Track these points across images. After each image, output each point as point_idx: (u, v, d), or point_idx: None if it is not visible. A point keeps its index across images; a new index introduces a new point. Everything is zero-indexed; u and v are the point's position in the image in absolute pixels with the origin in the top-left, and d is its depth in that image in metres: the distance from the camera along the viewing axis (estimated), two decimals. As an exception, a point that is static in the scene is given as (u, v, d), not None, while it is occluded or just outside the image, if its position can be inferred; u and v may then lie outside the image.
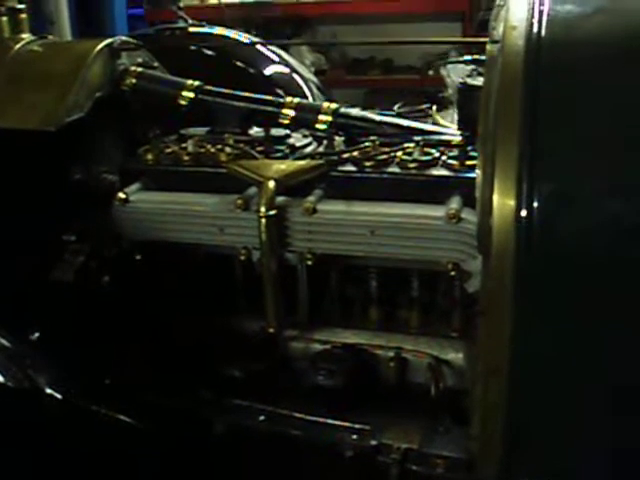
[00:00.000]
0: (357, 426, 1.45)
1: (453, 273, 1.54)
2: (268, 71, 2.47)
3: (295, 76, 2.46)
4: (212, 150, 1.79)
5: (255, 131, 1.87)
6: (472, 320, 1.55)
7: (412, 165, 1.63)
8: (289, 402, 1.58)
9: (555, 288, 1.16)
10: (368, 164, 1.65)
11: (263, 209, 1.57)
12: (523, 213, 1.12)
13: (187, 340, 1.69)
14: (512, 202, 1.12)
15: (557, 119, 1.16)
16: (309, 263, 1.64)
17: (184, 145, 1.84)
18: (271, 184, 1.59)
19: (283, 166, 1.64)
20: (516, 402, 1.20)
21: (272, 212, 1.57)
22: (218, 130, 1.89)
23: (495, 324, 1.18)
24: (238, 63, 2.44)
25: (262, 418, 1.48)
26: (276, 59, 2.51)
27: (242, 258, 1.68)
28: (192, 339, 1.70)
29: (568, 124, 1.16)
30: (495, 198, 1.13)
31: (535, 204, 1.11)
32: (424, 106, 2.01)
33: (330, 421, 1.47)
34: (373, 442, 1.43)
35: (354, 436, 1.44)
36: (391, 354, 1.72)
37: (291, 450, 1.47)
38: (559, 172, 1.14)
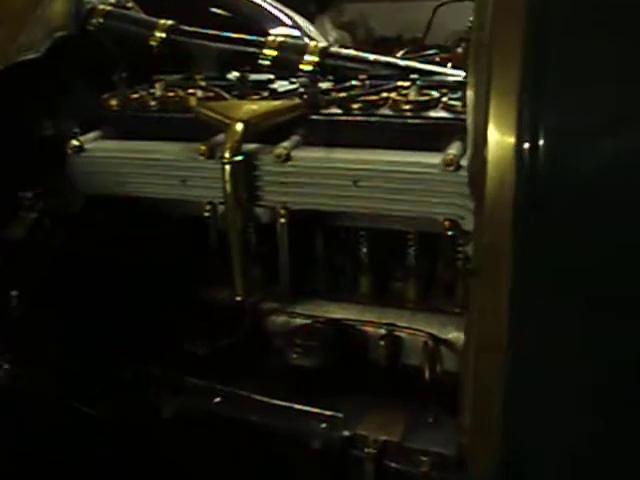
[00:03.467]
0: (328, 413, 1.20)
1: (451, 233, 1.28)
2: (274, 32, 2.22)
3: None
4: (182, 94, 1.55)
5: (233, 75, 1.63)
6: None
7: (407, 107, 1.37)
8: (256, 383, 1.34)
9: (565, 238, 0.90)
10: (355, 106, 1.40)
11: (227, 154, 1.33)
12: (525, 146, 0.86)
13: (143, 312, 1.46)
14: (512, 133, 0.87)
15: (570, 31, 0.90)
16: (283, 221, 1.39)
17: (152, 90, 1.60)
18: (238, 126, 1.34)
19: (254, 107, 1.40)
20: (516, 385, 0.95)
21: (238, 158, 1.33)
22: (192, 74, 1.65)
23: (490, 287, 0.93)
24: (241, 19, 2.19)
25: (217, 400, 1.25)
26: (288, 21, 2.25)
27: (206, 215, 1.44)
28: (149, 310, 1.46)
29: (584, 35, 0.89)
30: (491, 128, 0.88)
31: (541, 136, 0.86)
32: (431, 51, 1.74)
33: (296, 406, 1.22)
34: (345, 432, 1.19)
35: (323, 424, 1.20)
36: (382, 331, 1.48)
37: (249, 438, 1.23)
38: (571, 98, 0.88)
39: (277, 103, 1.42)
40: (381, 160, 1.31)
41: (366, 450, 1.15)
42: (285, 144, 1.36)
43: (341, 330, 1.50)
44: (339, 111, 1.41)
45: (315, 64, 1.55)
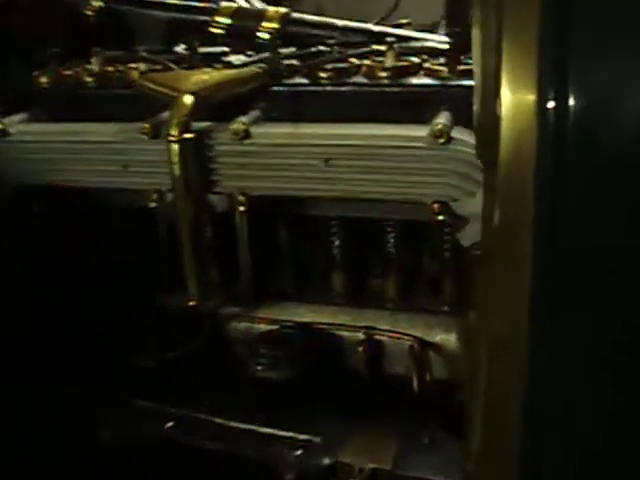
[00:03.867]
0: (303, 437, 1.00)
1: (441, 217, 1.09)
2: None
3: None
4: (122, 69, 1.34)
5: (181, 48, 1.43)
6: (466, 279, 1.10)
7: (383, 74, 1.18)
8: (215, 403, 1.14)
9: (599, 213, 0.72)
10: (323, 75, 1.20)
11: (174, 131, 1.12)
12: (550, 105, 0.68)
13: (80, 319, 1.24)
14: (532, 87, 0.68)
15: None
16: (242, 209, 1.19)
17: (88, 66, 1.39)
18: (187, 99, 1.14)
19: (205, 77, 1.19)
20: (538, 395, 0.77)
21: (187, 136, 1.13)
22: (135, 48, 1.44)
23: (506, 276, 0.74)
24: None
25: (170, 424, 1.04)
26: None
27: (153, 205, 1.22)
28: (88, 317, 1.25)
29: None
30: (505, 78, 0.69)
31: (570, 91, 0.68)
32: (404, 20, 1.55)
33: (265, 430, 1.02)
34: (326, 460, 0.99)
35: (297, 451, 1.00)
36: (360, 336, 1.28)
37: (208, 469, 1.02)
38: (606, 53, 0.70)
39: (232, 72, 1.22)
40: (357, 134, 1.11)
41: (351, 481, 0.96)
42: (243, 119, 1.16)
43: (313, 336, 1.30)
44: (305, 81, 1.21)
45: (275, 31, 1.35)
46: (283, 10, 1.38)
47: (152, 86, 1.21)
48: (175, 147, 1.12)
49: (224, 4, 1.42)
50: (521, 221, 0.70)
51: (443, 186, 1.08)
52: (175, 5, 1.45)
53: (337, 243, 1.33)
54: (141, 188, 1.24)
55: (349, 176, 1.12)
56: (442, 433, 1.05)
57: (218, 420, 1.03)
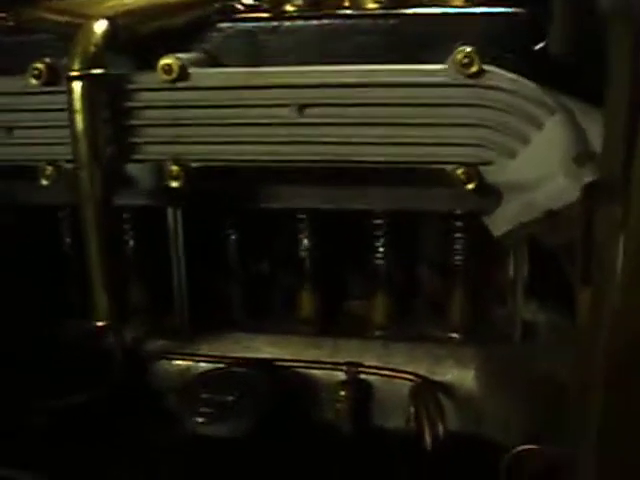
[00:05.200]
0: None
1: (471, 186, 0.75)
2: None
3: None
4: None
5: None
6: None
7: (373, 5, 0.85)
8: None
9: None
10: (290, 8, 0.87)
11: (78, 64, 0.76)
12: None
13: None
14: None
15: None
16: (175, 185, 0.82)
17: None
18: (99, 25, 0.78)
19: (127, 1, 0.84)
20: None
21: (96, 71, 0.76)
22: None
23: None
24: None
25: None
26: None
27: (45, 182, 0.85)
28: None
29: None
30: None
31: None
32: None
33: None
34: None
35: None
36: (340, 376, 0.91)
37: None
38: None
39: (165, -4, 0.87)
40: (346, 70, 0.77)
41: None
42: (179, 55, 0.81)
43: (274, 377, 0.93)
44: (265, 15, 0.87)
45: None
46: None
47: (49, 16, 0.85)
48: (78, 87, 0.76)
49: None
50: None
51: (472, 141, 0.75)
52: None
53: (306, 248, 0.98)
54: (30, 158, 0.86)
55: (333, 131, 0.77)
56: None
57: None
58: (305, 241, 0.98)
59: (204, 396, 0.85)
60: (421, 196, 0.88)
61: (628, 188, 0.42)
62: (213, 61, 0.85)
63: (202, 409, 0.82)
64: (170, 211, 0.96)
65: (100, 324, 0.80)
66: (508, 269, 0.95)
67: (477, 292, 0.97)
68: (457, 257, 0.95)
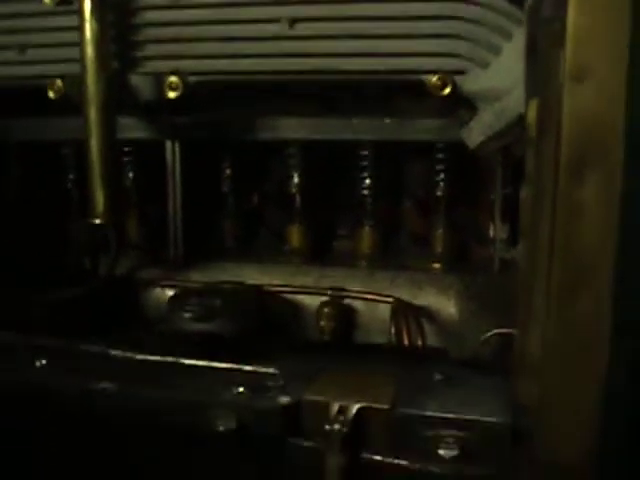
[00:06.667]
0: (247, 368, 0.66)
1: (447, 91, 0.80)
2: None
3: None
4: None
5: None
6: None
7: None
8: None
9: None
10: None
11: (86, -25, 0.82)
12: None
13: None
14: None
15: None
16: (173, 95, 0.87)
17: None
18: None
19: None
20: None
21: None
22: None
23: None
24: None
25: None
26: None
27: (53, 96, 0.90)
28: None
29: None
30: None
31: None
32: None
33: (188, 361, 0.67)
34: (283, 399, 0.64)
35: (239, 388, 0.65)
36: (324, 299, 0.95)
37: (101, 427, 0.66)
38: None
39: None
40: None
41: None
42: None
43: (259, 297, 0.97)
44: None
45: None
46: None
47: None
48: (88, 1, 0.82)
49: None
50: None
51: (446, 51, 0.80)
52: None
53: (295, 180, 1.03)
54: (42, 75, 0.91)
55: (321, 43, 0.83)
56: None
57: (113, 352, 0.66)
58: (295, 175, 1.03)
59: (192, 300, 0.88)
60: (404, 126, 0.94)
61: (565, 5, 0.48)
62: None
63: (189, 307, 0.85)
64: (169, 145, 1.01)
65: (97, 221, 0.84)
66: (489, 208, 0.99)
67: (458, 225, 1.01)
68: (439, 190, 0.99)
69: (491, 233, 0.99)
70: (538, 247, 0.56)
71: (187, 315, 0.84)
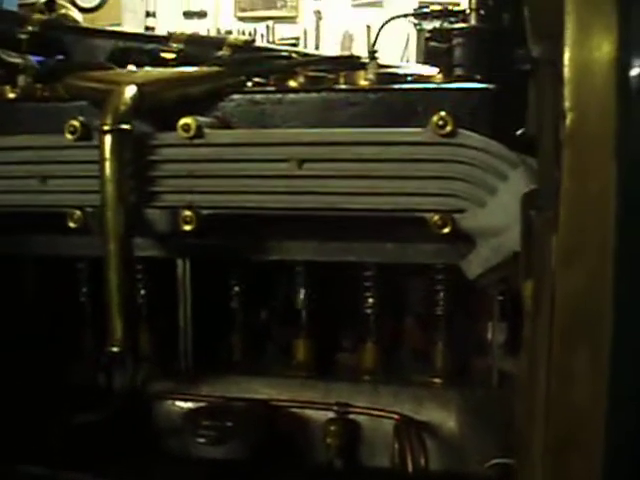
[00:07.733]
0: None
1: (447, 230, 0.85)
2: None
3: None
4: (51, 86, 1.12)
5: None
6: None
7: (366, 83, 0.99)
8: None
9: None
10: (293, 83, 1.01)
11: (109, 120, 0.88)
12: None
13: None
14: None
15: None
16: (188, 228, 0.92)
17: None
18: (129, 90, 0.91)
19: (154, 72, 0.98)
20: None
21: (125, 126, 0.89)
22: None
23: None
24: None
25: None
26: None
27: (72, 225, 0.95)
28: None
29: None
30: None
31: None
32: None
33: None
34: None
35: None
36: (330, 415, 0.99)
37: None
38: None
39: (185, 69, 1.01)
40: (340, 131, 0.90)
41: None
42: (196, 117, 0.93)
43: (269, 415, 1.00)
44: (271, 88, 1.01)
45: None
46: (243, 38, 1.21)
47: (86, 84, 0.98)
48: (108, 139, 0.88)
49: (179, 31, 1.24)
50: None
51: (447, 192, 0.86)
52: (120, 33, 1.27)
53: (301, 297, 1.07)
54: (60, 204, 0.97)
55: (329, 183, 0.89)
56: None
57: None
58: (302, 289, 1.07)
59: (204, 422, 0.92)
60: (404, 250, 0.99)
61: (557, 198, 0.53)
62: (225, 125, 0.97)
63: (201, 431, 0.89)
64: (180, 262, 1.06)
65: (115, 350, 0.89)
66: (487, 321, 1.04)
67: (458, 341, 1.06)
68: (438, 308, 1.04)
69: (489, 336, 1.03)
70: (534, 405, 0.61)
71: (200, 440, 0.88)
